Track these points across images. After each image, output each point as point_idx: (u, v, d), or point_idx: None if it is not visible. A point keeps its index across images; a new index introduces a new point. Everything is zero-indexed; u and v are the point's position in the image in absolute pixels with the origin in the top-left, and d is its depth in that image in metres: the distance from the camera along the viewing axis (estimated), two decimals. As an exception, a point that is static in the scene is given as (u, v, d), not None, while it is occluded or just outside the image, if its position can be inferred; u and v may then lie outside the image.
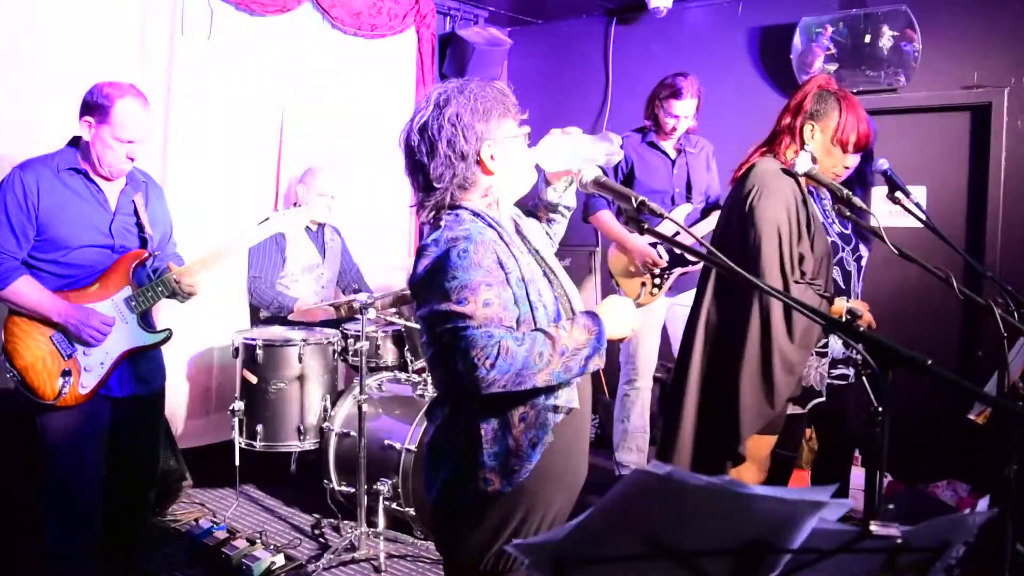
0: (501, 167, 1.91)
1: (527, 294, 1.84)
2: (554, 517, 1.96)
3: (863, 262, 3.22)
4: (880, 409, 1.25)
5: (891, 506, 2.98)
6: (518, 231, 2.02)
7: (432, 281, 1.80)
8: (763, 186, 2.59)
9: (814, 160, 2.70)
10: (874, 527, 0.98)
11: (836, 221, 3.22)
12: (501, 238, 1.87)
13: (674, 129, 4.25)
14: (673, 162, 4.34)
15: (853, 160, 2.78)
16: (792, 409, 3.02)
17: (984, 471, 3.27)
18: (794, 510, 0.93)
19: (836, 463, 3.38)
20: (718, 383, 2.73)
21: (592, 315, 1.85)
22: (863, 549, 0.95)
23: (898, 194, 2.93)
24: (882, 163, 3.13)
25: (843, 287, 3.16)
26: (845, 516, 1.01)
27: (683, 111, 4.19)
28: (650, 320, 4.33)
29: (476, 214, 1.89)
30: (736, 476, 2.54)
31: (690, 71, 4.28)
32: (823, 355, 3.15)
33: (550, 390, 1.86)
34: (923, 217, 2.97)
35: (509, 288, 1.81)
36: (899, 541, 0.99)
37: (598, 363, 1.83)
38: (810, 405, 3.10)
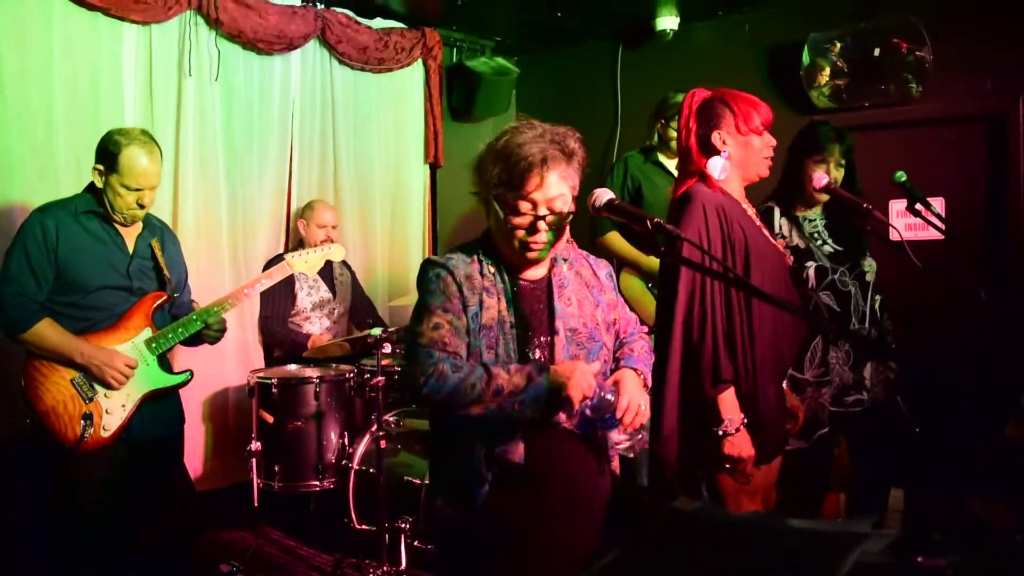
0: (491, 217, 2.02)
1: (479, 332, 1.95)
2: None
3: (868, 278, 3.14)
4: (918, 430, 1.18)
5: (937, 536, 2.89)
6: (549, 284, 2.07)
7: (417, 300, 2.04)
8: (681, 212, 2.41)
9: (726, 169, 2.52)
10: (921, 559, 0.92)
11: (827, 241, 3.14)
12: (481, 274, 2.00)
13: None
14: None
15: (772, 140, 2.56)
16: (794, 444, 2.92)
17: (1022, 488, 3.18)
18: (835, 544, 0.87)
19: (875, 490, 3.30)
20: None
21: (541, 367, 1.90)
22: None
23: (918, 206, 2.88)
24: (900, 175, 3.08)
25: (837, 309, 3.07)
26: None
27: None
28: None
29: (477, 250, 2.05)
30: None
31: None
32: (824, 384, 3.07)
33: (493, 436, 1.95)
34: (943, 228, 2.91)
35: (465, 318, 1.95)
36: (948, 573, 0.92)
37: (534, 413, 1.87)
38: (815, 438, 3.03)
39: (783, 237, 3.09)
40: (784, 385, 2.63)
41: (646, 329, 2.34)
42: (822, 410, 3.02)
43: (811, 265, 3.07)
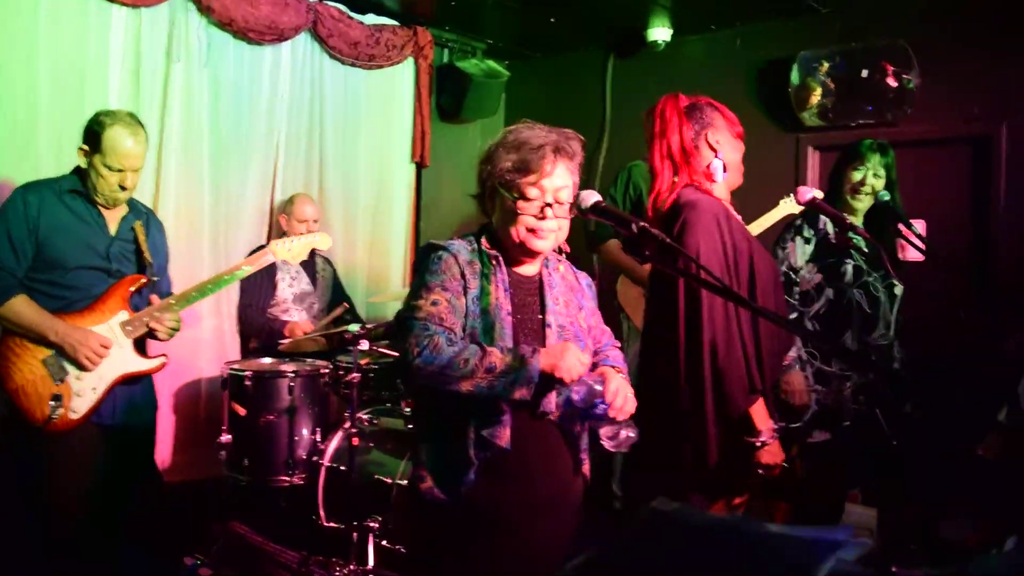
0: (493, 210, 2.09)
1: (479, 314, 2.00)
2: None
3: (896, 291, 3.20)
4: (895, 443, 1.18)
5: (913, 546, 2.92)
6: (540, 282, 2.13)
7: (414, 280, 2.08)
8: (686, 219, 2.37)
9: (725, 169, 2.52)
10: (895, 570, 0.92)
11: (862, 248, 3.21)
12: (481, 262, 2.06)
13: None
14: None
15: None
16: (819, 436, 2.97)
17: (994, 506, 3.21)
18: (812, 551, 0.86)
19: (832, 496, 3.32)
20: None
21: (532, 349, 1.93)
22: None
23: (900, 226, 2.91)
24: (884, 195, 3.12)
25: (868, 311, 3.12)
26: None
27: None
28: None
29: (476, 240, 2.11)
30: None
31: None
32: (846, 378, 3.09)
33: (481, 418, 1.96)
34: (923, 248, 2.94)
35: (464, 299, 2.00)
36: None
37: (524, 393, 1.88)
38: (836, 429, 3.06)
39: (827, 234, 3.19)
40: None
41: (618, 344, 2.37)
42: (845, 403, 3.06)
43: (850, 263, 3.16)
